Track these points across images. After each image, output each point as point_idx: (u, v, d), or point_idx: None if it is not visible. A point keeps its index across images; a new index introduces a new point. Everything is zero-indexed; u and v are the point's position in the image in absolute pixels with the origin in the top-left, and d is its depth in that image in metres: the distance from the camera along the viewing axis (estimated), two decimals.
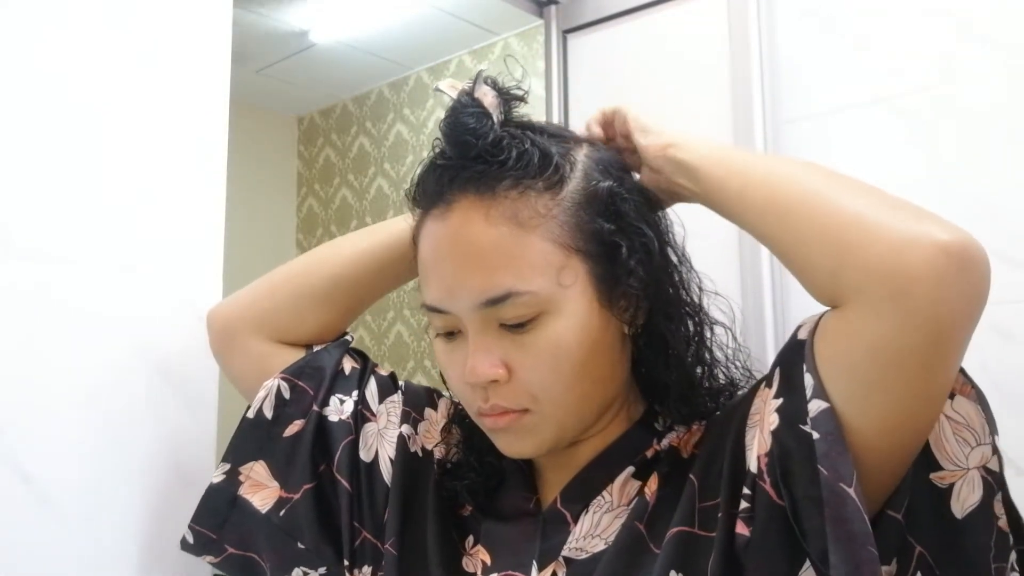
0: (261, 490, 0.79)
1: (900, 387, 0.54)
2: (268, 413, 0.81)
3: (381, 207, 3.43)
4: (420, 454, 0.80)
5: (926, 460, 0.57)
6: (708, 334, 0.72)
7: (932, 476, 0.57)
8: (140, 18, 0.98)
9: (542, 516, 0.71)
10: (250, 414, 0.82)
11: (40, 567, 0.85)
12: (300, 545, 0.78)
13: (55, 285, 0.89)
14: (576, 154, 0.66)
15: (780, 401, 0.57)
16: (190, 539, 0.82)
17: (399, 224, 0.81)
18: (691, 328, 0.70)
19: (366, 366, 0.85)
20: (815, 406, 0.55)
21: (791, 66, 1.50)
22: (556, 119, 1.74)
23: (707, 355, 0.71)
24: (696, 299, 0.72)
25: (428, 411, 0.83)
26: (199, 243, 1.01)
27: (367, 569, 0.75)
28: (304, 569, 0.78)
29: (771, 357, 1.48)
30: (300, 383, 0.81)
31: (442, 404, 0.84)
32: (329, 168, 3.77)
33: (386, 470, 0.78)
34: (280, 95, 3.64)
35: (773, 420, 0.57)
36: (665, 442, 0.70)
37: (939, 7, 1.34)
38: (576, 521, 0.68)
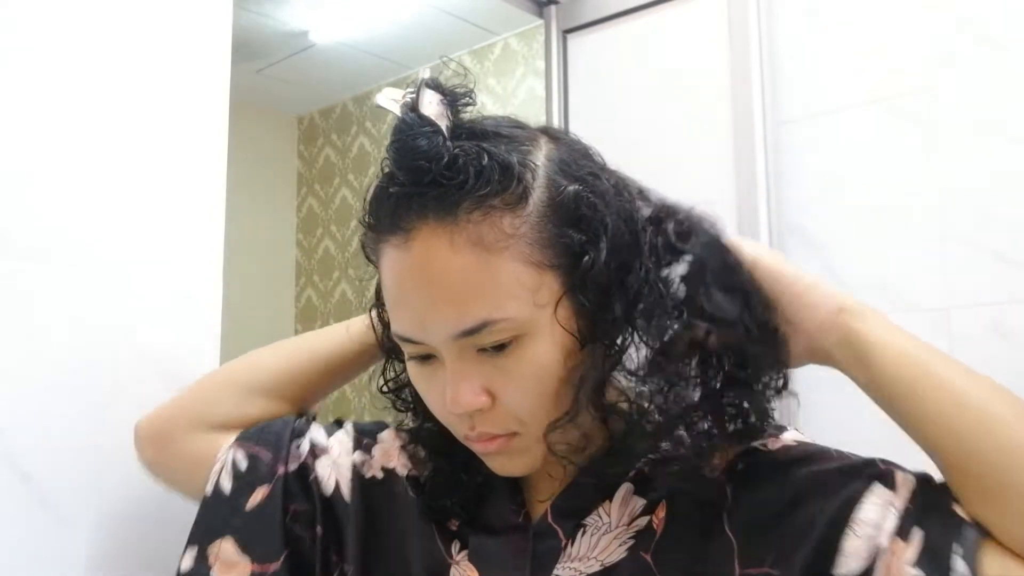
0: (230, 570, 0.74)
1: None
2: (227, 486, 0.76)
3: None
4: (380, 476, 0.77)
5: None
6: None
7: None
8: (140, 18, 0.98)
9: (532, 530, 0.68)
10: (208, 490, 0.77)
11: (40, 567, 0.85)
12: None
13: (55, 285, 0.89)
14: (536, 157, 0.60)
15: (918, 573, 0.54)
16: None
17: (356, 326, 0.79)
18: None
19: (313, 417, 0.83)
20: None
21: (791, 66, 1.50)
22: (556, 119, 1.74)
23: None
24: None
25: (381, 435, 0.80)
26: (199, 243, 1.01)
27: None
28: None
29: None
30: (257, 449, 0.77)
31: (388, 432, 0.80)
32: (329, 168, 3.77)
33: (347, 495, 0.76)
34: (280, 95, 3.64)
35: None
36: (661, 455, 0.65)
37: (939, 6, 1.34)
38: (569, 537, 0.66)
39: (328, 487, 0.76)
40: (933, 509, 0.56)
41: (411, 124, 0.57)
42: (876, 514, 0.57)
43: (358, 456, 0.78)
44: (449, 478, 0.70)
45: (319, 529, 0.75)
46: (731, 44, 1.53)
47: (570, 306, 0.59)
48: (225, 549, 0.75)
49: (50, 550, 0.86)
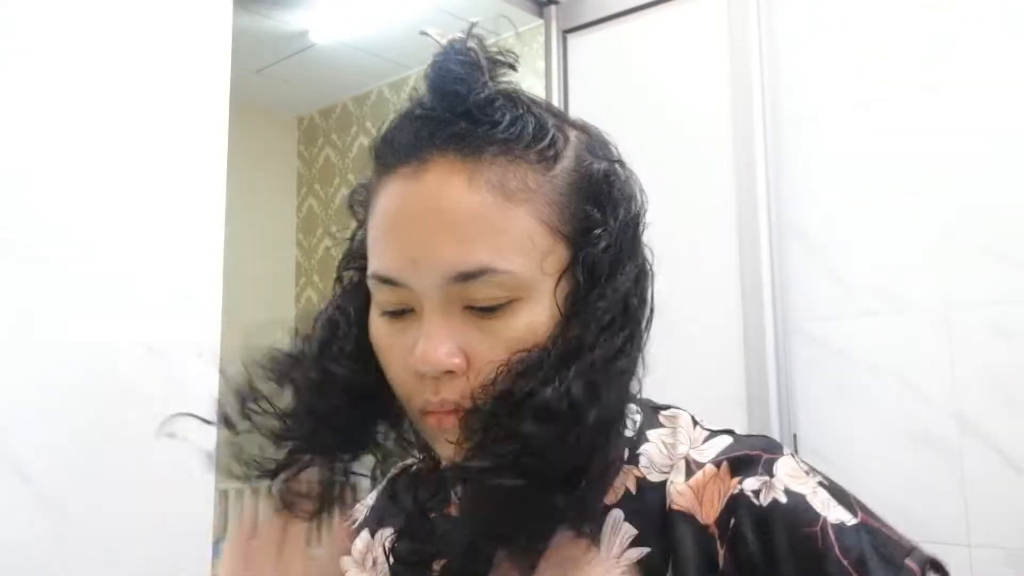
0: None
1: None
2: None
3: None
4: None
5: None
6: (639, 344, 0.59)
7: None
8: (140, 19, 0.98)
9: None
10: None
11: (40, 567, 0.85)
12: None
13: (55, 285, 0.89)
14: (569, 132, 0.58)
15: None
16: None
17: None
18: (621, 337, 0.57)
19: None
20: None
21: (791, 66, 1.50)
22: None
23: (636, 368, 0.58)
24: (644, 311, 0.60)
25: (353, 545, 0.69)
26: (199, 243, 1.01)
27: None
28: None
29: (772, 364, 1.49)
30: None
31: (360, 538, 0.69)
32: (329, 168, 3.76)
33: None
34: (280, 95, 3.63)
35: None
36: (656, 474, 0.57)
37: (939, 6, 1.34)
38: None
39: None
40: None
41: (456, 50, 0.54)
42: None
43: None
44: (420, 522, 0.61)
45: None
46: (731, 44, 1.53)
47: (568, 283, 0.55)
48: None
49: (50, 550, 0.86)
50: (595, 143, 0.60)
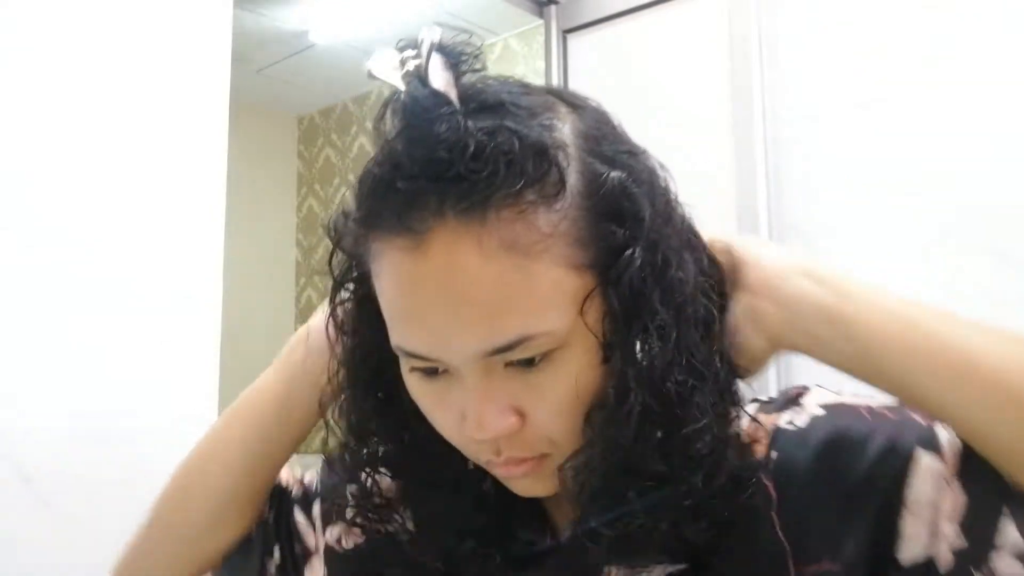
0: None
1: None
2: None
3: None
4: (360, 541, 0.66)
5: None
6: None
7: None
8: (140, 19, 0.98)
9: (563, 551, 0.59)
10: None
11: (40, 567, 0.85)
12: None
13: (55, 285, 0.89)
14: (563, 132, 0.51)
15: (964, 545, 0.50)
16: None
17: (312, 359, 0.64)
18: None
19: (283, 519, 0.71)
20: (1006, 565, 0.48)
21: (791, 66, 1.50)
22: None
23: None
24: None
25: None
26: (199, 243, 1.01)
27: None
28: None
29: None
30: None
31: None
32: (329, 168, 3.77)
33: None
34: (280, 95, 3.63)
35: (957, 543, 0.49)
36: None
37: (939, 6, 1.34)
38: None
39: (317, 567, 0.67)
40: (981, 471, 0.50)
41: (424, 104, 0.47)
42: (931, 490, 0.51)
43: (331, 532, 0.67)
44: (453, 512, 0.60)
45: None
46: (731, 44, 1.53)
47: (600, 306, 0.50)
48: None
49: (50, 550, 0.86)
50: (599, 135, 0.53)
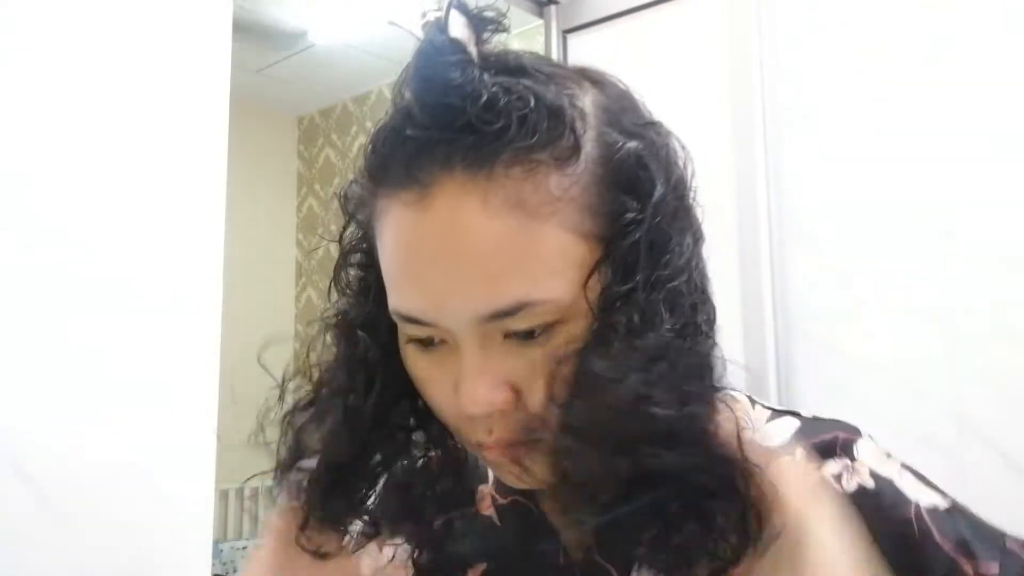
0: None
1: None
2: None
3: None
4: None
5: None
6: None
7: None
8: (140, 19, 0.98)
9: (579, 572, 0.56)
10: None
11: (40, 567, 0.85)
12: None
13: (55, 285, 0.89)
14: (583, 100, 0.49)
15: None
16: None
17: None
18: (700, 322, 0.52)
19: None
20: None
21: (791, 66, 1.50)
22: None
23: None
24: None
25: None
26: (199, 243, 1.01)
27: None
28: None
29: (772, 364, 1.49)
30: None
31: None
32: (329, 168, 3.77)
33: None
34: (280, 95, 3.63)
35: None
36: None
37: (939, 6, 1.34)
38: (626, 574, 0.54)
39: None
40: None
41: (440, 49, 0.45)
42: None
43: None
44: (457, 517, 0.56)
45: None
46: (731, 44, 1.53)
47: (600, 278, 0.48)
48: None
49: (50, 550, 0.86)
50: (618, 109, 0.51)
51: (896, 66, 1.38)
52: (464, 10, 0.46)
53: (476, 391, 0.47)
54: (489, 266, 0.45)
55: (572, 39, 1.78)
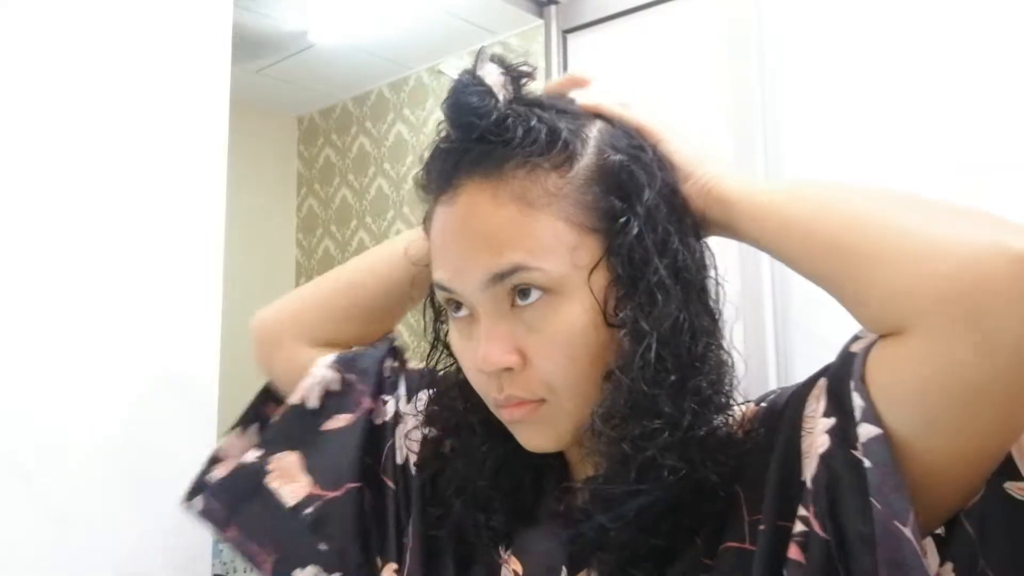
0: (290, 483, 0.76)
1: (981, 418, 0.48)
2: (313, 403, 0.78)
3: (381, 207, 3.43)
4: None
5: (1003, 467, 0.50)
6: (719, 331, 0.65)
7: (1009, 485, 0.50)
8: (140, 19, 0.98)
9: (573, 516, 0.65)
10: (293, 399, 0.79)
11: (40, 567, 0.85)
12: (322, 546, 0.73)
13: (54, 285, 0.89)
14: (588, 130, 0.63)
15: (832, 421, 0.53)
16: (199, 504, 0.80)
17: (413, 248, 0.78)
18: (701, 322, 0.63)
19: (402, 365, 0.84)
20: (865, 431, 0.50)
21: (791, 66, 1.50)
22: None
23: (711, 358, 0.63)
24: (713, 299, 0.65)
25: None
26: (199, 243, 1.01)
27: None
28: (317, 568, 0.74)
29: (771, 363, 1.49)
30: (349, 377, 0.79)
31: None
32: (329, 168, 3.76)
33: (414, 472, 0.76)
34: (280, 95, 3.63)
35: (823, 442, 0.52)
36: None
37: (939, 6, 1.34)
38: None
39: (400, 456, 0.77)
40: (838, 364, 0.56)
41: (465, 83, 0.59)
42: (814, 403, 0.56)
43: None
44: (490, 486, 0.69)
45: (391, 483, 0.76)
46: (731, 44, 1.53)
47: (606, 273, 0.60)
48: (289, 461, 0.77)
49: (50, 550, 0.86)
50: (618, 133, 0.64)
51: (896, 66, 1.38)
52: (500, 62, 0.61)
53: (489, 351, 0.60)
54: (493, 241, 0.59)
55: (572, 39, 1.79)
